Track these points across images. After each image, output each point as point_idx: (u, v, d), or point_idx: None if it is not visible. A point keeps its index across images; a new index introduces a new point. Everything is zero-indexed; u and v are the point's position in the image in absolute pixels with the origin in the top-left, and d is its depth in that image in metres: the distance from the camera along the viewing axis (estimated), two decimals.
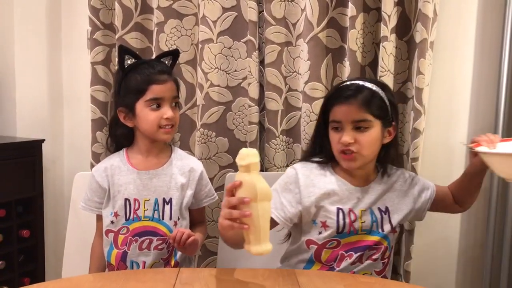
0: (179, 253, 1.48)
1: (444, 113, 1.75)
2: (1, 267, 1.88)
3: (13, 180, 1.93)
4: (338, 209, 1.34)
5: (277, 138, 1.76)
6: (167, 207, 1.45)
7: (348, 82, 1.37)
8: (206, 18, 1.73)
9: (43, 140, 2.03)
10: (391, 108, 1.35)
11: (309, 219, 1.36)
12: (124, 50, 1.45)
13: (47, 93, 2.11)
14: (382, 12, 1.60)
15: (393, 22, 1.61)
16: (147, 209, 1.44)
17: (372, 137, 1.30)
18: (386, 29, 1.59)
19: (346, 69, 1.65)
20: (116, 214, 1.45)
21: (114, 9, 1.82)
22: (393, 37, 1.62)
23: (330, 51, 1.70)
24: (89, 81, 1.85)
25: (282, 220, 1.33)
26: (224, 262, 1.64)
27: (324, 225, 1.34)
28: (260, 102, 1.77)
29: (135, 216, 1.44)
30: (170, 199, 1.45)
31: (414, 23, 1.63)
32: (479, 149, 1.22)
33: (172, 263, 1.48)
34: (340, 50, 1.70)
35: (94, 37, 1.84)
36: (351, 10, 1.62)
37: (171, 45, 1.79)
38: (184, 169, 1.49)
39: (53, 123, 2.13)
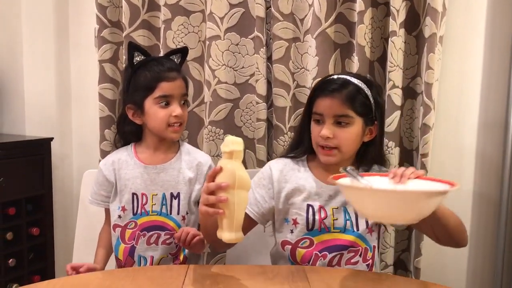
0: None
1: (454, 108, 1.73)
2: (11, 265, 1.89)
3: (22, 179, 1.94)
4: (308, 205, 1.34)
5: (285, 135, 1.75)
6: (175, 202, 1.45)
7: (335, 76, 1.35)
8: (213, 14, 1.73)
9: (51, 138, 2.04)
10: (376, 107, 1.32)
11: (282, 216, 1.37)
12: (133, 47, 1.45)
13: (55, 92, 2.12)
14: (391, 7, 1.58)
15: (401, 16, 1.59)
16: (155, 204, 1.44)
17: (352, 133, 1.29)
18: (395, 24, 1.58)
19: (355, 65, 1.64)
20: (123, 209, 1.45)
21: (121, 7, 1.82)
22: (402, 31, 1.61)
23: (339, 47, 1.69)
24: (97, 79, 1.85)
25: (256, 216, 1.35)
26: (233, 259, 1.63)
27: (295, 222, 1.34)
28: (268, 98, 1.77)
29: (143, 210, 1.44)
30: (178, 194, 1.45)
31: (423, 17, 1.62)
32: (341, 181, 1.08)
33: (181, 258, 1.48)
34: (348, 45, 1.69)
35: (101, 35, 1.84)
36: (359, 5, 1.61)
37: (179, 42, 1.78)
38: (192, 163, 1.49)
39: (61, 121, 2.14)
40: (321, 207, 1.33)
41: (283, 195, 1.35)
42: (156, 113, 1.40)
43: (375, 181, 1.11)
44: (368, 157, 1.36)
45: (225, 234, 1.08)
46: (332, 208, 1.33)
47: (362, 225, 1.32)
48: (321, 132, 1.28)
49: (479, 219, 1.75)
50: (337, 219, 1.32)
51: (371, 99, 1.31)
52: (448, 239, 1.26)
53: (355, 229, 1.32)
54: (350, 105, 1.27)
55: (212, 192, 1.09)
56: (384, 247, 1.67)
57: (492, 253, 1.72)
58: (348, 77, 1.32)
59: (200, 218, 1.20)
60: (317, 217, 1.33)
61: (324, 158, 1.32)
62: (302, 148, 1.40)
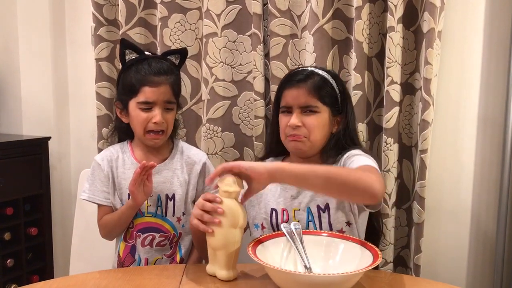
0: (183, 249, 1.47)
1: (453, 104, 1.71)
2: (9, 265, 1.88)
3: (20, 178, 1.94)
4: (272, 209, 1.35)
5: None
6: (170, 203, 1.44)
7: (301, 68, 1.39)
8: (210, 11, 1.71)
9: (49, 138, 2.03)
10: (341, 98, 1.36)
11: (251, 221, 1.38)
12: (125, 45, 1.44)
13: (53, 91, 2.11)
14: (388, 2, 1.57)
15: (399, 12, 1.58)
16: (150, 205, 1.43)
17: (319, 121, 1.30)
18: (393, 19, 1.57)
19: (353, 61, 1.63)
20: None
21: (118, 5, 1.81)
22: (400, 27, 1.59)
23: (336, 43, 1.68)
24: (94, 78, 1.84)
25: None
26: None
27: (263, 227, 1.35)
28: (266, 95, 1.75)
29: (138, 211, 1.43)
30: (173, 195, 1.44)
31: (421, 12, 1.60)
32: (258, 254, 1.09)
33: (178, 259, 1.47)
34: (346, 41, 1.68)
35: (98, 33, 1.83)
36: (356, 0, 1.59)
37: (175, 40, 1.77)
38: (186, 163, 1.48)
39: (59, 121, 2.13)
40: (283, 210, 1.33)
41: (252, 199, 1.37)
42: (137, 116, 1.39)
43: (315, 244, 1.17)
44: (333, 148, 1.35)
45: (222, 272, 1.13)
46: (294, 210, 1.32)
47: (326, 227, 1.30)
48: (290, 121, 1.30)
49: (479, 214, 1.73)
50: (299, 221, 1.30)
51: (336, 90, 1.35)
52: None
53: (318, 230, 1.30)
54: (316, 94, 1.30)
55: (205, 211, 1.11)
56: (383, 244, 1.65)
57: (492, 250, 1.71)
58: (313, 69, 1.36)
59: (192, 232, 1.23)
60: (279, 220, 1.33)
61: (292, 145, 1.33)
62: (276, 148, 1.42)
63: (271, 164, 1.13)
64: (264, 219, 1.35)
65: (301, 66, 1.50)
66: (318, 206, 1.31)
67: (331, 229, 1.30)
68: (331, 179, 1.08)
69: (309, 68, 1.37)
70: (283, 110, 1.35)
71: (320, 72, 1.35)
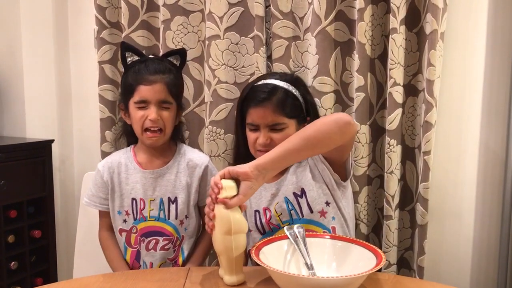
0: (186, 253, 1.48)
1: (456, 105, 1.71)
2: (13, 268, 1.89)
3: (24, 181, 1.94)
4: (255, 211, 1.37)
5: None
6: (172, 207, 1.44)
7: (262, 82, 1.38)
8: (213, 14, 1.71)
9: (52, 141, 2.04)
10: (305, 104, 1.37)
11: None
12: (125, 47, 1.45)
13: (56, 93, 2.11)
14: (391, 4, 1.57)
15: (402, 13, 1.58)
16: (152, 209, 1.44)
17: (288, 135, 1.28)
18: (395, 21, 1.57)
19: (355, 63, 1.63)
20: (127, 213, 1.45)
21: (120, 8, 1.82)
22: (402, 29, 1.59)
23: (339, 45, 1.68)
24: (97, 81, 1.85)
25: None
26: None
27: (250, 230, 1.37)
28: None
29: (141, 216, 1.44)
30: (176, 198, 1.45)
31: (423, 14, 1.60)
32: (261, 258, 1.09)
33: (180, 262, 1.47)
34: (348, 43, 1.68)
35: (101, 36, 1.83)
36: (359, 2, 1.59)
37: (178, 42, 1.77)
38: (188, 166, 1.49)
39: (62, 123, 2.14)
40: (265, 209, 1.36)
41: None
42: (135, 115, 1.41)
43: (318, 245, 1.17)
44: None
45: (226, 277, 1.12)
46: (275, 205, 1.35)
47: (306, 210, 1.32)
48: (259, 140, 1.33)
49: (483, 216, 1.73)
50: (281, 214, 1.34)
51: (300, 98, 1.37)
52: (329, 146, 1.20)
53: (300, 216, 1.32)
54: (281, 111, 1.32)
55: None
56: (387, 245, 1.65)
57: (495, 251, 1.71)
58: (275, 82, 1.36)
59: None
60: (263, 220, 1.35)
61: None
62: (241, 153, 1.43)
63: (251, 162, 1.13)
64: (250, 222, 1.37)
65: (262, 76, 1.49)
66: (294, 194, 1.34)
67: (311, 211, 1.32)
68: (305, 136, 1.14)
69: (271, 82, 1.36)
70: (250, 128, 1.37)
71: (282, 84, 1.36)
